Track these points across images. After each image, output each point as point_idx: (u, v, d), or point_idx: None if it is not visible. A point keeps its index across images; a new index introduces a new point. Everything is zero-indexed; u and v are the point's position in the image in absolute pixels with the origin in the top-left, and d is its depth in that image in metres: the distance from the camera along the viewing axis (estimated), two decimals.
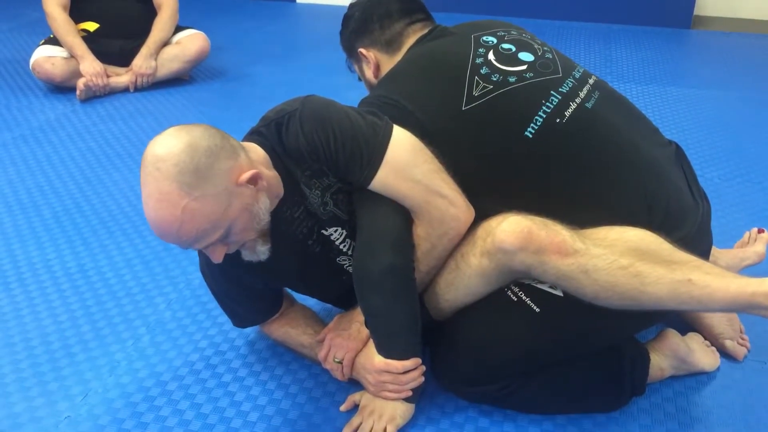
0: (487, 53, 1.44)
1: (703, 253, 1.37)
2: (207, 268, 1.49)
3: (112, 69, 3.14)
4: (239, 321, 1.59)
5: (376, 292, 1.34)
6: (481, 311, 1.37)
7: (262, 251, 1.33)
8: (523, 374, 1.40)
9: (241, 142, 1.31)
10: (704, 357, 1.55)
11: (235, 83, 3.29)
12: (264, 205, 1.28)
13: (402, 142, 1.32)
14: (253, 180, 1.23)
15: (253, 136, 1.36)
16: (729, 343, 1.59)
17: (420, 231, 1.34)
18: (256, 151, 1.31)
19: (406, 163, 1.31)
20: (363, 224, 1.35)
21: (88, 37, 3.10)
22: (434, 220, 1.33)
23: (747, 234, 1.79)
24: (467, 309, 1.39)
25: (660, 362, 1.50)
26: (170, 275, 1.90)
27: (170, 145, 1.18)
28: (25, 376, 1.55)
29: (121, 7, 3.15)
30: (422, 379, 1.39)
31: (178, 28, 3.25)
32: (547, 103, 1.37)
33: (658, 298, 1.17)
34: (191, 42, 3.21)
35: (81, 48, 3.04)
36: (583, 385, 1.44)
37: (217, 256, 1.26)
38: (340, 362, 1.45)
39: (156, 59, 3.15)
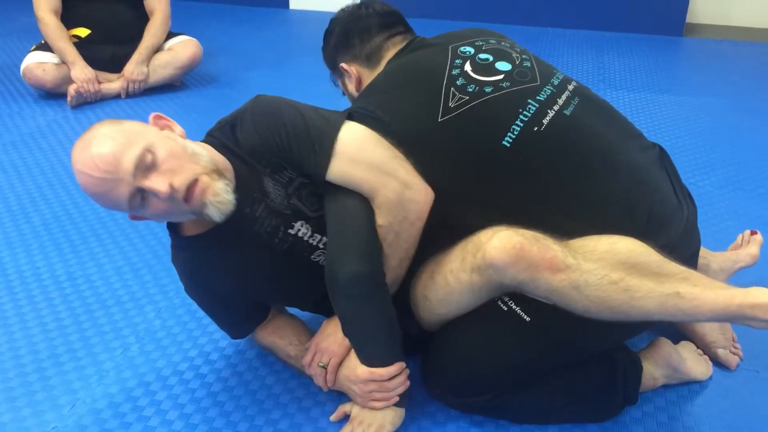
0: (464, 64, 1.45)
1: (691, 255, 1.37)
2: (190, 280, 1.48)
3: (103, 75, 3.12)
4: (235, 332, 1.58)
5: (347, 300, 1.33)
6: (472, 321, 1.36)
7: (224, 190, 1.27)
8: (515, 384, 1.39)
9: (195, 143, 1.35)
10: (697, 366, 1.55)
11: (227, 89, 3.29)
12: (187, 142, 1.30)
13: (354, 130, 1.34)
14: (160, 120, 1.34)
15: (206, 137, 1.40)
16: (721, 352, 1.59)
17: (381, 220, 1.33)
18: (206, 147, 1.34)
19: (359, 148, 1.33)
20: (330, 231, 1.35)
21: (80, 43, 3.09)
22: (392, 204, 1.32)
23: (740, 236, 1.79)
24: (457, 319, 1.38)
25: (652, 371, 1.49)
26: (160, 283, 1.89)
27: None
28: (12, 386, 1.53)
29: (113, 13, 3.13)
30: (408, 383, 1.38)
31: (171, 35, 3.24)
32: (525, 112, 1.37)
33: (647, 312, 1.17)
34: (183, 48, 3.20)
35: (72, 54, 3.03)
36: (576, 395, 1.43)
37: (164, 191, 1.20)
38: (324, 367, 1.43)
39: (148, 65, 3.14)
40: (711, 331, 1.59)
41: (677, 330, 1.63)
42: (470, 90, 1.39)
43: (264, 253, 1.39)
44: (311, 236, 1.39)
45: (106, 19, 3.13)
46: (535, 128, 1.35)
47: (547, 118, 1.37)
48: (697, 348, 1.58)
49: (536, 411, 1.43)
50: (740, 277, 1.69)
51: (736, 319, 1.13)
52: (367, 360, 1.36)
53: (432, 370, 1.44)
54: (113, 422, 1.44)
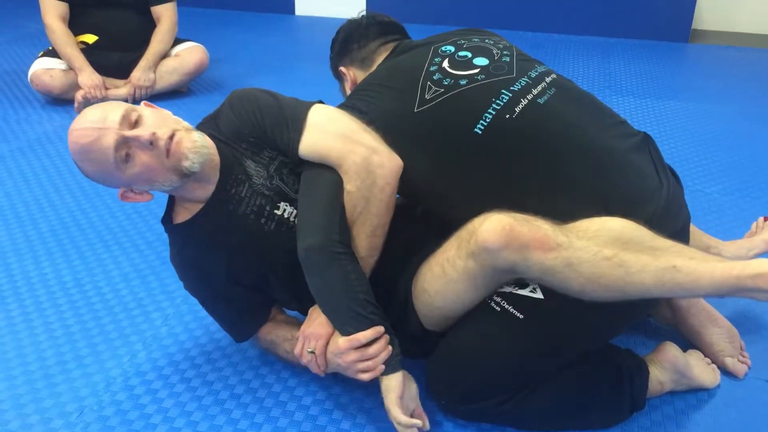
0: (443, 61, 1.52)
1: (677, 232, 1.35)
2: (186, 272, 1.52)
3: (110, 81, 3.14)
4: (239, 334, 1.58)
5: (309, 274, 1.37)
6: (466, 326, 1.38)
7: (200, 137, 1.38)
8: (519, 388, 1.39)
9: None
10: (704, 373, 1.54)
11: None
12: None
13: (325, 108, 1.46)
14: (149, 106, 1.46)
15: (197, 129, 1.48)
16: (729, 361, 1.58)
17: (349, 186, 1.38)
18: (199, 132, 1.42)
19: (327, 121, 1.43)
20: (298, 209, 1.42)
21: (87, 50, 3.10)
22: (360, 168, 1.37)
23: (754, 224, 1.78)
24: (453, 326, 1.40)
25: (659, 375, 1.49)
26: (167, 290, 1.89)
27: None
28: (20, 393, 1.54)
29: (120, 20, 3.15)
30: (390, 348, 1.34)
31: (177, 41, 3.25)
32: (497, 101, 1.42)
33: (644, 287, 1.17)
34: (190, 54, 3.21)
35: (80, 60, 3.04)
36: (582, 399, 1.43)
37: (146, 136, 1.32)
38: (313, 352, 1.41)
39: (155, 72, 3.15)
40: (718, 340, 1.59)
41: (684, 339, 1.62)
42: (446, 83, 1.46)
43: (252, 235, 1.44)
44: (292, 213, 1.45)
45: (114, 26, 3.14)
46: (507, 116, 1.40)
47: (520, 106, 1.41)
48: (705, 356, 1.58)
49: (542, 416, 1.43)
50: None
51: (736, 291, 1.11)
52: (343, 330, 1.36)
53: (435, 379, 1.44)
54: (121, 429, 1.44)
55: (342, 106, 1.51)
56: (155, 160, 1.35)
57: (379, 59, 1.67)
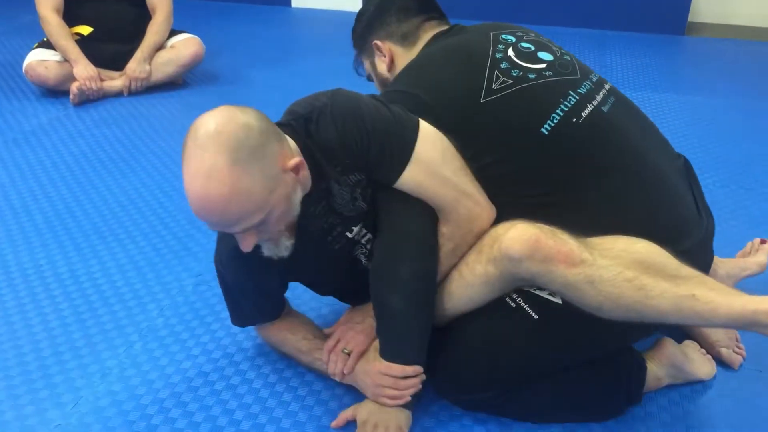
0: (507, 50, 1.45)
1: (705, 266, 1.37)
2: (223, 260, 1.45)
3: (105, 73, 3.12)
4: (241, 319, 1.56)
5: (400, 294, 1.33)
6: (479, 317, 1.37)
7: (285, 246, 1.31)
8: (519, 382, 1.39)
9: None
10: (701, 365, 1.55)
11: (229, 87, 3.28)
12: (299, 196, 1.27)
13: (430, 139, 1.33)
14: (297, 168, 1.22)
15: (283, 128, 1.30)
16: (725, 352, 1.59)
17: (445, 230, 1.34)
18: (292, 143, 1.29)
19: (435, 161, 1.32)
20: (388, 224, 1.35)
21: (82, 41, 3.08)
22: (462, 219, 1.33)
23: (749, 244, 1.79)
24: (465, 316, 1.38)
25: (657, 371, 1.49)
26: (163, 281, 1.89)
27: (224, 122, 1.16)
28: (15, 384, 1.53)
29: (115, 11, 3.13)
30: (420, 386, 1.38)
31: (173, 32, 3.24)
32: (565, 102, 1.38)
33: (661, 312, 1.17)
34: (185, 46, 3.20)
35: (74, 52, 3.02)
36: (580, 394, 1.43)
37: (248, 244, 1.23)
38: (349, 353, 1.42)
39: (150, 63, 3.14)
40: (714, 331, 1.59)
41: (681, 330, 1.63)
42: (514, 74, 1.40)
43: (316, 249, 1.39)
44: (359, 233, 1.39)
45: (109, 17, 3.12)
46: (574, 119, 1.36)
47: (586, 111, 1.38)
48: (701, 347, 1.58)
49: (540, 409, 1.43)
50: (746, 284, 1.69)
51: (750, 326, 1.13)
52: (391, 355, 1.35)
53: (438, 366, 1.44)
54: (116, 420, 1.44)
55: (404, 95, 1.40)
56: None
57: (425, 37, 1.58)
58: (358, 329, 1.44)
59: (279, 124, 1.31)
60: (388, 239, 1.35)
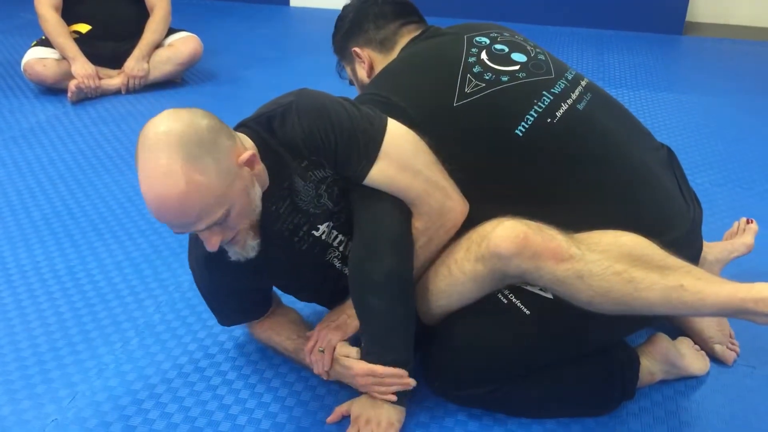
0: (480, 53, 1.45)
1: (693, 256, 1.38)
2: (196, 263, 1.47)
3: (103, 71, 3.13)
4: (224, 319, 1.57)
5: (377, 295, 1.33)
6: (472, 314, 1.37)
7: (251, 246, 1.31)
8: (513, 377, 1.40)
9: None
10: (694, 361, 1.55)
11: (227, 86, 3.29)
12: (258, 192, 1.27)
13: (398, 133, 1.33)
14: (251, 162, 1.23)
15: (240, 128, 1.34)
16: (719, 348, 1.59)
17: (418, 224, 1.35)
18: (246, 139, 1.30)
19: (405, 154, 1.32)
20: (361, 224, 1.34)
21: (80, 39, 3.09)
22: (433, 212, 1.34)
23: (736, 223, 1.79)
24: (458, 312, 1.39)
25: (650, 366, 1.50)
26: (160, 278, 1.89)
27: (172, 121, 1.17)
28: (12, 379, 1.54)
29: (114, 9, 3.14)
30: (412, 382, 1.38)
31: (171, 31, 3.24)
32: (539, 103, 1.38)
33: (651, 304, 1.18)
34: (184, 44, 3.21)
35: (73, 50, 3.03)
36: (573, 389, 1.43)
37: (213, 243, 1.23)
38: (323, 351, 1.43)
39: (148, 61, 3.14)
40: (708, 327, 1.60)
41: (675, 326, 1.63)
42: (487, 78, 1.40)
43: (283, 250, 1.38)
44: (329, 235, 1.39)
45: (107, 15, 3.13)
46: (548, 120, 1.36)
47: (561, 110, 1.38)
48: (695, 344, 1.59)
49: (534, 405, 1.44)
50: (735, 265, 1.70)
51: (738, 313, 1.13)
52: (374, 357, 1.36)
53: (432, 362, 1.45)
54: (113, 415, 1.45)
55: (376, 98, 1.40)
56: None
57: (402, 42, 1.59)
58: (332, 326, 1.44)
59: (238, 125, 1.34)
60: (363, 239, 1.34)
